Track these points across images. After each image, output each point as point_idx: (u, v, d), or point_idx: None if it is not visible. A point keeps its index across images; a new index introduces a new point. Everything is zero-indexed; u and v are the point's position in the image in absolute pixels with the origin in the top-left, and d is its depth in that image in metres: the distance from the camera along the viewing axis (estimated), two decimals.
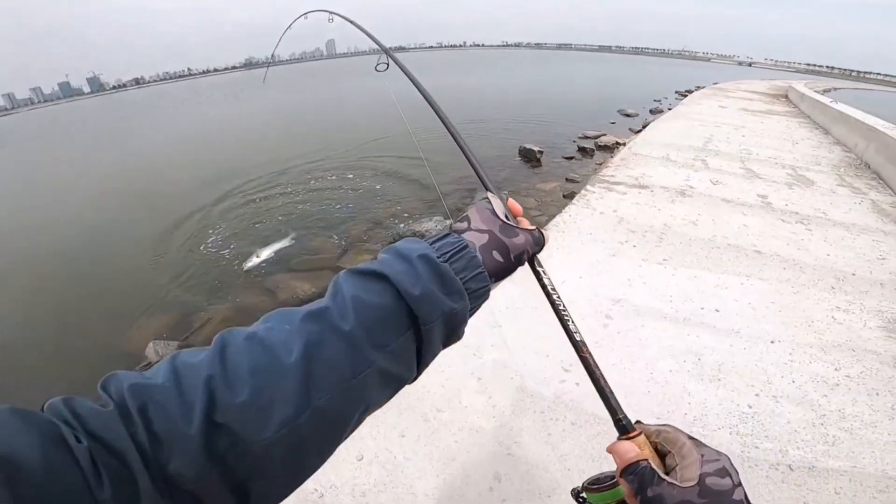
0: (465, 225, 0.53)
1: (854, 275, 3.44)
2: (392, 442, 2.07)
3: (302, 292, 4.21)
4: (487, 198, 0.56)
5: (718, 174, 5.71)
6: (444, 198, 6.37)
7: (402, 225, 5.12)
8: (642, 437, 0.51)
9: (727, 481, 0.45)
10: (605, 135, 10.45)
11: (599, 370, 0.55)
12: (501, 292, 3.16)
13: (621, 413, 0.53)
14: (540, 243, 0.55)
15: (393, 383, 0.46)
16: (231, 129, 20.40)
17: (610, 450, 0.52)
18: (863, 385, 2.37)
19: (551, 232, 3.97)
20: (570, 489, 0.59)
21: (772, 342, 2.67)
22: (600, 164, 7.47)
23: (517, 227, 0.53)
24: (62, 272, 5.92)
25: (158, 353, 3.45)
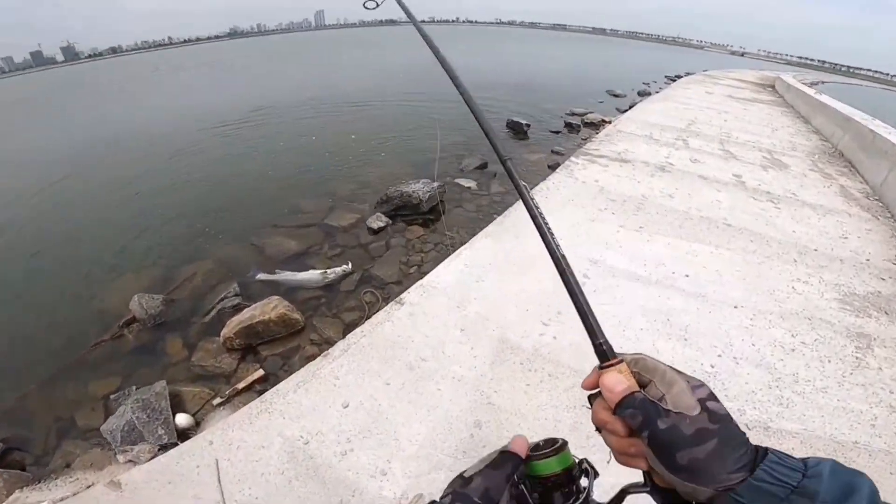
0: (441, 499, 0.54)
1: (816, 250, 3.64)
2: (377, 389, 2.17)
3: (288, 247, 4.25)
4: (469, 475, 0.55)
5: (698, 153, 5.88)
6: (438, 161, 6.34)
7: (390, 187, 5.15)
8: (624, 366, 0.49)
9: (721, 405, 0.44)
10: (592, 112, 10.50)
11: (581, 289, 0.53)
12: (486, 249, 3.27)
13: (602, 337, 0.51)
14: (507, 461, 0.54)
15: None
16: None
17: (589, 384, 0.51)
18: (816, 352, 2.52)
19: (535, 196, 4.06)
20: None
21: (735, 307, 2.84)
22: (585, 140, 7.58)
23: (473, 476, 0.53)
24: (29, 235, 5.60)
25: (143, 306, 3.40)
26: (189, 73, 31.20)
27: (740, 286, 3.07)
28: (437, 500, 0.52)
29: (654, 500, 0.50)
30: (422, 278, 2.99)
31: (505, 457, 0.53)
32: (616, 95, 14.62)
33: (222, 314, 3.32)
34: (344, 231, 4.55)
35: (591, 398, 0.52)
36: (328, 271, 3.60)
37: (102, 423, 2.59)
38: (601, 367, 0.50)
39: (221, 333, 3.02)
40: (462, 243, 3.56)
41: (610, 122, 8.23)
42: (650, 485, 0.50)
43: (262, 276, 3.73)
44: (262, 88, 17.76)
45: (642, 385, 0.48)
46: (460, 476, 0.53)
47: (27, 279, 4.41)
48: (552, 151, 7.29)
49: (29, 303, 3.93)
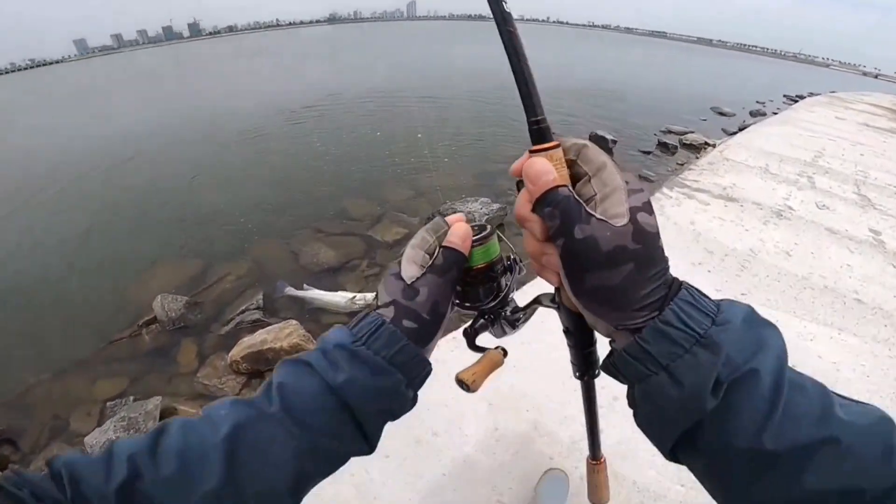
0: (377, 301, 0.48)
1: None
2: (372, 461, 1.76)
3: (324, 258, 3.94)
4: (400, 260, 0.49)
5: (826, 197, 4.80)
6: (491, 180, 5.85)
7: (446, 202, 4.69)
8: (560, 152, 0.40)
9: (654, 220, 0.38)
10: (692, 132, 9.24)
11: (523, 51, 0.40)
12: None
13: (542, 114, 0.40)
14: (452, 264, 0.48)
15: (330, 458, 0.45)
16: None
17: (516, 169, 0.42)
18: None
19: None
20: None
21: None
22: (682, 165, 6.63)
23: (417, 283, 0.47)
24: (63, 217, 5.75)
25: (165, 308, 3.21)
26: (283, 57, 33.17)
27: (862, 385, 2.31)
28: (375, 306, 0.48)
29: (561, 320, 0.50)
30: (458, 327, 2.51)
31: (449, 255, 0.48)
32: (723, 114, 13.01)
33: (240, 328, 3.10)
34: (387, 247, 4.14)
35: (519, 186, 0.43)
36: (357, 297, 3.23)
37: (92, 430, 2.47)
38: (531, 150, 0.41)
39: (229, 354, 2.76)
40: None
41: (714, 146, 7.18)
42: (558, 303, 0.48)
43: (288, 290, 3.45)
44: (343, 77, 18.23)
45: (577, 179, 0.41)
46: (399, 278, 0.48)
47: (62, 265, 4.46)
48: (640, 176, 6.44)
49: (59, 290, 3.99)
